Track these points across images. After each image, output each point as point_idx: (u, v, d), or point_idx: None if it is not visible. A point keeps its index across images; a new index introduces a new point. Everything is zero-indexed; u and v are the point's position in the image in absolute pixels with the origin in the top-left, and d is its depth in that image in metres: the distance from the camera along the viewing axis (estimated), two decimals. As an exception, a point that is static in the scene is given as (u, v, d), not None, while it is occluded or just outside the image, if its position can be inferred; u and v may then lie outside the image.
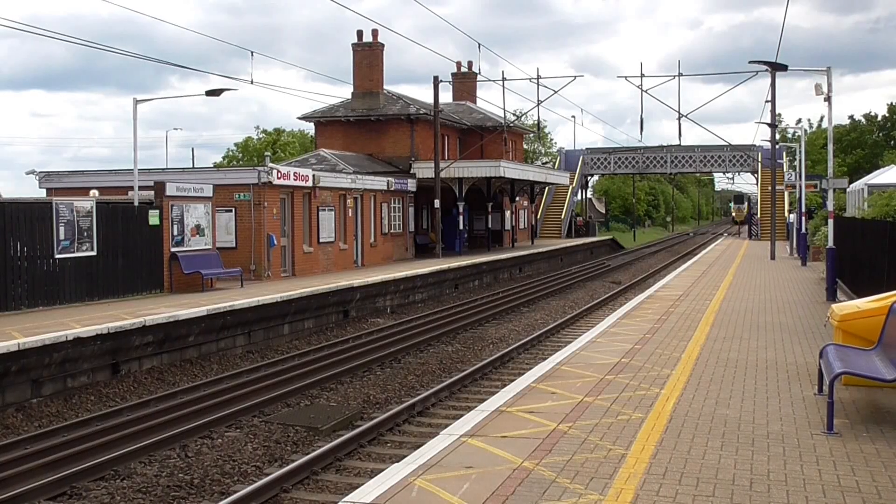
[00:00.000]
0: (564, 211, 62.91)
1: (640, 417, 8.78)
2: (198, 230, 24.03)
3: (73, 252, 19.92)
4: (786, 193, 50.48)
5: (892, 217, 23.32)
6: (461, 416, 9.93)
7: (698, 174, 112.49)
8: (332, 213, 30.83)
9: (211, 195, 24.64)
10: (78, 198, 21.61)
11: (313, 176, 29.21)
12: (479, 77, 49.14)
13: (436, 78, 37.81)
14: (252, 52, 27.84)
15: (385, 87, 41.99)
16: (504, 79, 43.21)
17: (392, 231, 36.72)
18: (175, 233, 23.17)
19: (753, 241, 53.85)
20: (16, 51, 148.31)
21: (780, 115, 62.17)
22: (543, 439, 7.98)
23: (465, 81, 50.50)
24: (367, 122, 41.10)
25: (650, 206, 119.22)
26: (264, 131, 79.78)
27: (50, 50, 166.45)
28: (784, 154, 58.58)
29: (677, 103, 49.70)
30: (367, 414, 13.82)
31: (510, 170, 41.03)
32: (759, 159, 60.45)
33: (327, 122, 41.98)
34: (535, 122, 53.67)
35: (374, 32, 41.02)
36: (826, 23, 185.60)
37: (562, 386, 10.33)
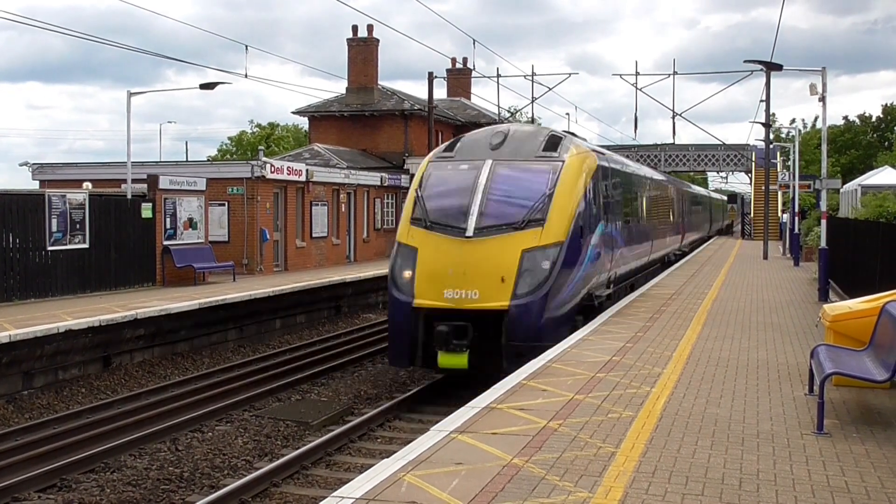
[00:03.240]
0: (558, 208, 62.73)
1: (630, 415, 8.78)
2: (190, 224, 23.98)
3: (66, 244, 19.86)
4: (779, 193, 50.55)
5: (885, 218, 23.40)
6: (451, 412, 9.92)
7: (692, 173, 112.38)
8: (326, 208, 30.79)
9: (204, 189, 24.57)
10: (71, 190, 21.54)
11: (307, 171, 29.16)
12: (474, 73, 49.10)
13: (430, 74, 37.76)
14: (247, 47, 27.94)
15: (380, 82, 41.95)
16: (499, 75, 43.20)
17: (385, 227, 36.66)
18: (168, 226, 23.11)
19: (746, 241, 53.93)
20: (13, 43, 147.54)
21: (774, 114, 62.40)
22: (533, 436, 7.98)
23: (460, 78, 50.44)
24: (361, 117, 41.03)
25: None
26: (258, 125, 79.67)
27: (47, 42, 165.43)
28: (778, 154, 58.64)
29: (672, 102, 49.65)
30: (357, 409, 13.82)
31: (504, 166, 40.89)
32: (754, 159, 60.49)
33: (321, 117, 41.90)
34: (530, 119, 53.47)
35: (370, 28, 40.97)
36: (823, 24, 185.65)
37: (553, 383, 10.33)
